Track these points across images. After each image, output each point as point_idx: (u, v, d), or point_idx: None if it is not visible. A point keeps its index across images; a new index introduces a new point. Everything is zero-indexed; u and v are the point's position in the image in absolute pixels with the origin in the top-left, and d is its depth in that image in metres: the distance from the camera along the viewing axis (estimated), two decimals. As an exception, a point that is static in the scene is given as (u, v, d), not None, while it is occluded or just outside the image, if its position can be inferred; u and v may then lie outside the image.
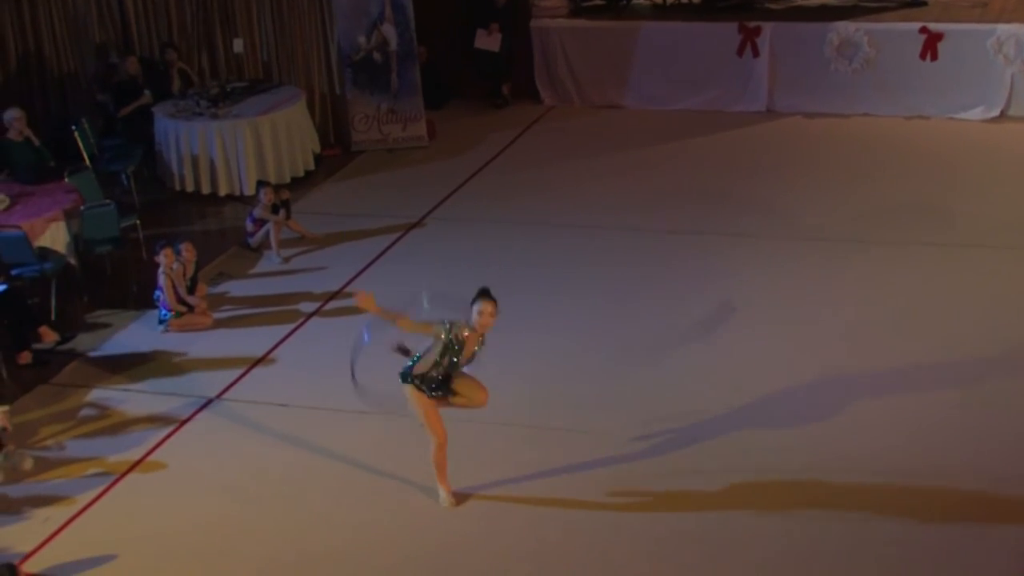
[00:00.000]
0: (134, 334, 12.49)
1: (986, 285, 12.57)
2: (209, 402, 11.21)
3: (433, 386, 9.29)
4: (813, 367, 11.24)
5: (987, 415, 10.45)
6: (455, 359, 9.17)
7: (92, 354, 12.17)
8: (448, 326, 9.08)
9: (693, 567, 8.87)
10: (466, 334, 9.12)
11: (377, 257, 13.87)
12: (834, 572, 8.77)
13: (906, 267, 13.01)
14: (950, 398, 10.70)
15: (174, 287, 12.43)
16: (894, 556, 8.87)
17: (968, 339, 11.60)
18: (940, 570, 8.73)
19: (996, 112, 17.16)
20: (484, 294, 9.18)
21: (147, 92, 16.25)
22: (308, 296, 13.04)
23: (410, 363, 9.33)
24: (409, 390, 9.33)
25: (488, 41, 18.33)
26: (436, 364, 9.18)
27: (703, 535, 9.16)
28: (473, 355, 9.24)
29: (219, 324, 12.58)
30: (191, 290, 12.62)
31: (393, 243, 14.21)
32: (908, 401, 10.69)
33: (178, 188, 15.84)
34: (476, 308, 9.11)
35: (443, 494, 9.62)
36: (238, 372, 11.66)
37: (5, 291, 12.05)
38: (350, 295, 12.95)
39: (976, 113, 17.20)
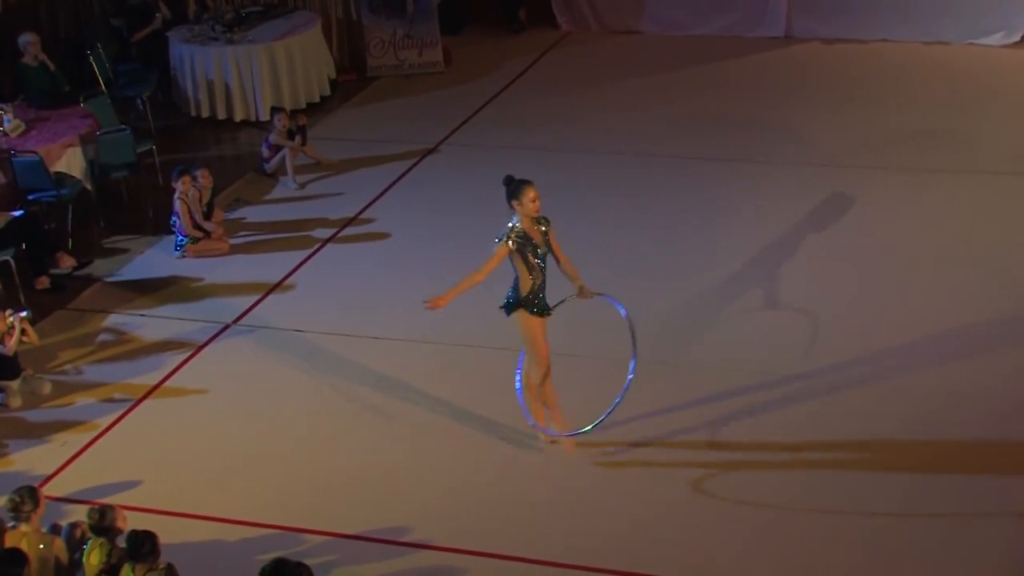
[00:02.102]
0: (151, 259, 12.52)
1: (1005, 212, 12.53)
2: (226, 327, 11.24)
3: (541, 296, 9.01)
4: (831, 294, 11.25)
5: (1003, 340, 10.48)
6: (538, 251, 8.91)
7: (109, 279, 12.20)
8: (505, 238, 8.82)
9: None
10: (523, 226, 8.87)
11: (393, 183, 13.85)
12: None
13: (925, 194, 12.97)
14: (970, 324, 10.72)
15: (190, 212, 12.43)
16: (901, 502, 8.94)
17: (987, 264, 11.59)
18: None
19: (1017, 37, 17.01)
20: (521, 182, 8.86)
21: (159, 15, 16.17)
22: (324, 222, 13.03)
23: (510, 295, 9.05)
24: (520, 316, 9.01)
25: (504, -35, 18.21)
26: (531, 271, 8.92)
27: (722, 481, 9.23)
28: (545, 237, 8.96)
29: (236, 250, 12.60)
30: (208, 216, 12.63)
31: (409, 169, 14.18)
32: (928, 328, 10.69)
33: (194, 113, 15.80)
34: (523, 198, 8.80)
35: (555, 428, 9.39)
36: (255, 298, 11.69)
37: (22, 216, 12.06)
38: (366, 221, 13.00)
39: (996, 38, 17.04)
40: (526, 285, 8.95)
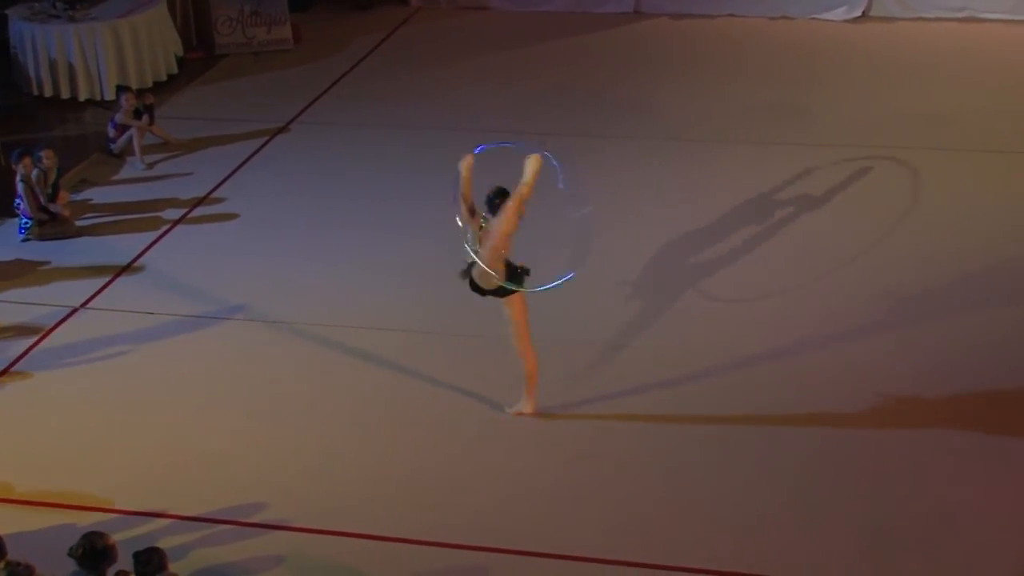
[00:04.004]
0: (-6, 243, 12.26)
1: (845, 182, 12.82)
2: (75, 311, 11.03)
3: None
4: (681, 265, 11.42)
5: (824, 307, 10.78)
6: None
7: (-49, 264, 11.92)
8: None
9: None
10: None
11: (243, 162, 13.70)
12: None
13: (771, 166, 13.20)
14: (805, 292, 10.99)
15: (35, 194, 12.16)
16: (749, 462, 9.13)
17: (827, 235, 11.87)
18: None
19: (858, 12, 17.45)
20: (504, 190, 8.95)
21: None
22: (174, 202, 12.85)
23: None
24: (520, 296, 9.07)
25: (352, -59, 18.10)
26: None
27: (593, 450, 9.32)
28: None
29: (83, 232, 12.35)
30: (53, 197, 12.35)
31: (259, 148, 14.03)
32: (769, 295, 10.94)
33: (36, 93, 15.46)
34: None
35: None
36: (104, 280, 11.48)
37: None
38: (217, 201, 12.86)
39: (839, 13, 17.44)
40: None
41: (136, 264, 11.78)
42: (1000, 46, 16.47)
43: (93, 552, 7.21)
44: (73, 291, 11.32)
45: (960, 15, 17.28)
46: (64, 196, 12.59)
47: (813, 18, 17.44)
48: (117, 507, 8.66)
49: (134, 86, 14.78)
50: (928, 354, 10.09)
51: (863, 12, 17.46)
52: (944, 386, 9.71)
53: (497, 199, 8.90)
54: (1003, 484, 8.69)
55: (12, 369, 10.24)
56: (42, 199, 12.21)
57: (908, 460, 8.95)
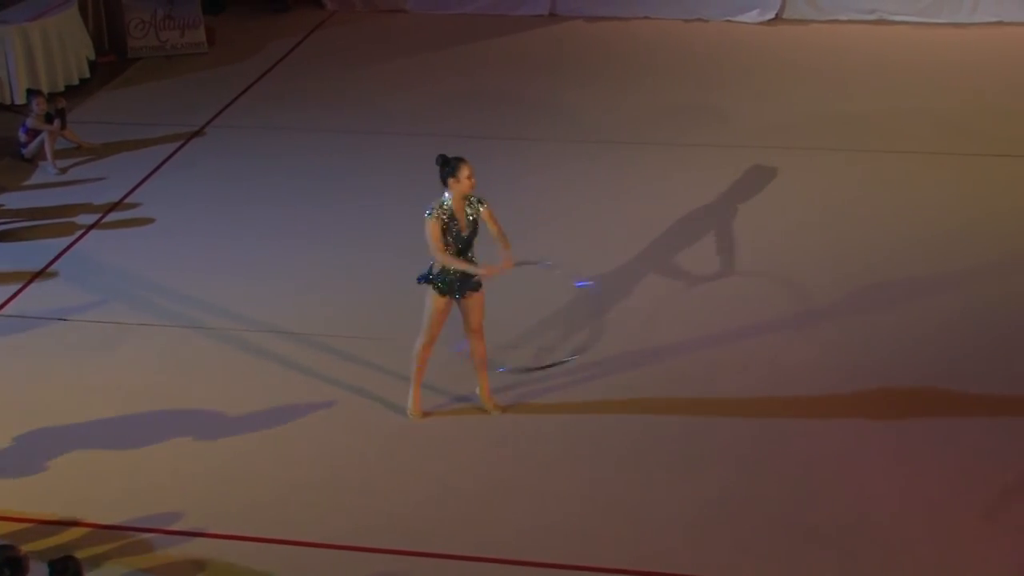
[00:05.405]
0: (-97, 250, 12.07)
1: (758, 183, 12.95)
2: (-14, 318, 10.93)
3: (450, 277, 9.02)
4: (599, 263, 11.45)
5: (744, 305, 10.89)
6: (461, 235, 8.96)
7: None
8: (434, 214, 8.87)
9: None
10: (454, 206, 8.92)
11: (158, 166, 13.59)
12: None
13: (687, 167, 13.31)
14: (722, 291, 11.09)
15: (-56, 201, 12.02)
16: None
17: (742, 234, 11.98)
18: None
19: (771, 15, 17.61)
20: (458, 160, 8.90)
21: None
22: (87, 207, 12.72)
23: (428, 268, 9.06)
24: (427, 290, 9.06)
25: (266, -57, 18.02)
26: (447, 250, 8.95)
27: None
28: (471, 221, 9.01)
29: (-6, 238, 12.24)
30: (-38, 204, 12.22)
31: (174, 152, 13.93)
32: (687, 294, 11.04)
33: (-56, 98, 15.28)
34: (460, 175, 8.83)
35: (411, 403, 9.47)
36: (15, 287, 11.33)
37: None
38: (132, 206, 12.75)
39: (752, 16, 17.60)
40: (438, 266, 9.05)
41: (49, 270, 11.65)
42: (909, 48, 16.69)
43: (4, 565, 7.11)
44: (-16, 298, 11.20)
45: (871, 17, 17.51)
46: (-26, 202, 12.46)
47: (727, 20, 17.59)
48: (30, 516, 8.55)
49: (45, 90, 14.58)
50: (849, 352, 10.19)
51: (777, 14, 17.63)
52: (866, 384, 9.81)
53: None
54: (924, 481, 8.79)
55: (-78, 378, 10.11)
56: (-48, 205, 12.07)
57: (832, 458, 9.03)
